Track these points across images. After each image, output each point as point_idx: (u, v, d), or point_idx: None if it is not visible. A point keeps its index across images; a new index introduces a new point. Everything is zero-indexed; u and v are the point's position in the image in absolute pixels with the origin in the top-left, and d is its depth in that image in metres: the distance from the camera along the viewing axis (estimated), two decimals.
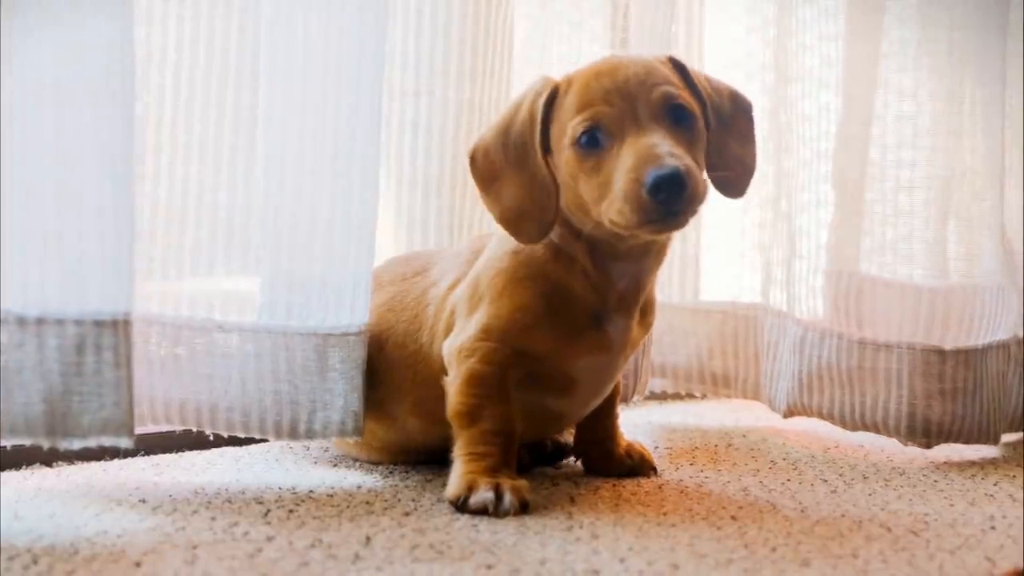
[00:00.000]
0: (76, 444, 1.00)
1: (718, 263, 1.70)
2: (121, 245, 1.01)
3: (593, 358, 1.13)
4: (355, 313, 1.17)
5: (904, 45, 1.47)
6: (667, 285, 1.62)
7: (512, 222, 1.10)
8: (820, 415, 1.47)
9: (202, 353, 1.15)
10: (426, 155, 1.40)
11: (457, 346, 1.12)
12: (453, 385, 1.12)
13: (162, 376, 1.15)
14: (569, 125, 1.07)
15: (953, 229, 1.49)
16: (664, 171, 0.99)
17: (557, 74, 1.12)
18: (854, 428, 1.45)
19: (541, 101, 1.09)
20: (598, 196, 1.05)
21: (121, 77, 1.01)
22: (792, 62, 1.51)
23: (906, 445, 1.43)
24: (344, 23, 1.14)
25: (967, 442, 1.42)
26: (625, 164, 1.02)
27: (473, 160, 1.13)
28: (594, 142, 1.05)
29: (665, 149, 1.01)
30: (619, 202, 1.02)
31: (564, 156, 1.08)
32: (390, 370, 1.20)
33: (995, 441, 1.44)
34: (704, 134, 1.10)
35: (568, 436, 1.32)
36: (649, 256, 1.13)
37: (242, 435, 1.18)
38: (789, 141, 1.52)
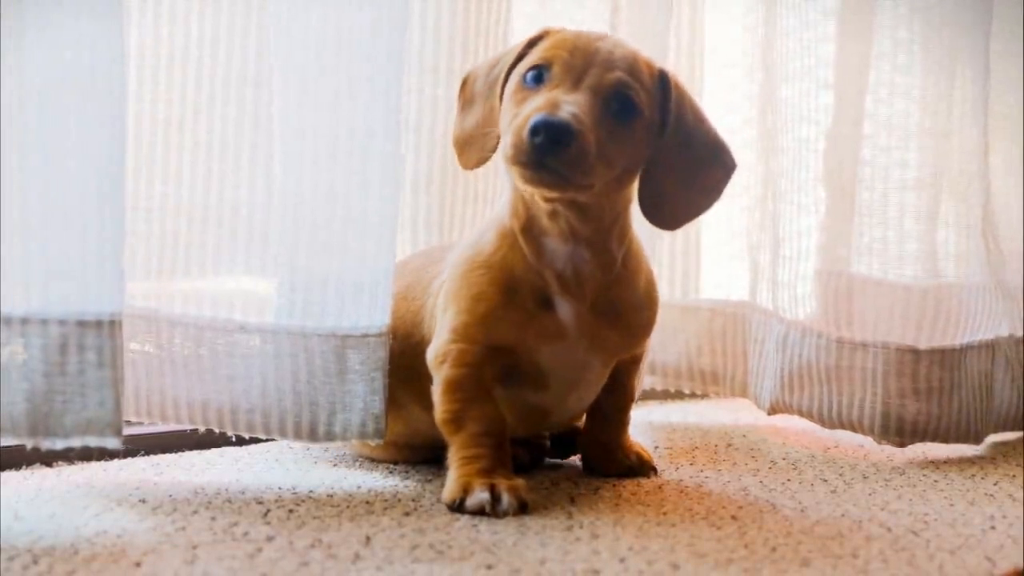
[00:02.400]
0: (59, 444, 0.99)
1: (708, 261, 1.69)
2: (107, 245, 1.01)
3: (551, 345, 1.12)
4: (374, 314, 1.17)
5: (895, 45, 1.47)
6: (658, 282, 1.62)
7: (460, 146, 1.16)
8: (800, 413, 1.48)
9: (224, 354, 1.15)
10: (415, 153, 1.39)
11: (435, 352, 1.13)
12: (436, 393, 1.13)
13: (185, 376, 1.16)
14: (526, 60, 1.10)
15: (939, 229, 1.49)
16: (550, 118, 1.00)
17: None
18: (832, 426, 1.45)
19: (526, 41, 1.13)
20: (507, 128, 1.06)
21: (108, 76, 1.01)
22: (785, 62, 1.51)
23: (880, 444, 1.43)
24: (361, 19, 1.14)
25: (945, 441, 1.42)
26: (531, 105, 1.04)
27: (463, 84, 1.18)
28: (537, 79, 1.07)
29: (569, 107, 1.02)
30: (509, 135, 1.04)
31: (511, 86, 1.10)
32: (400, 358, 1.20)
33: (976, 441, 1.44)
34: (642, 141, 1.09)
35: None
36: (576, 240, 1.11)
37: (263, 436, 1.18)
38: (780, 142, 1.52)
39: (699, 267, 1.67)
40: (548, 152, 1.00)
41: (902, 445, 1.42)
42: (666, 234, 1.60)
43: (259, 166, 1.18)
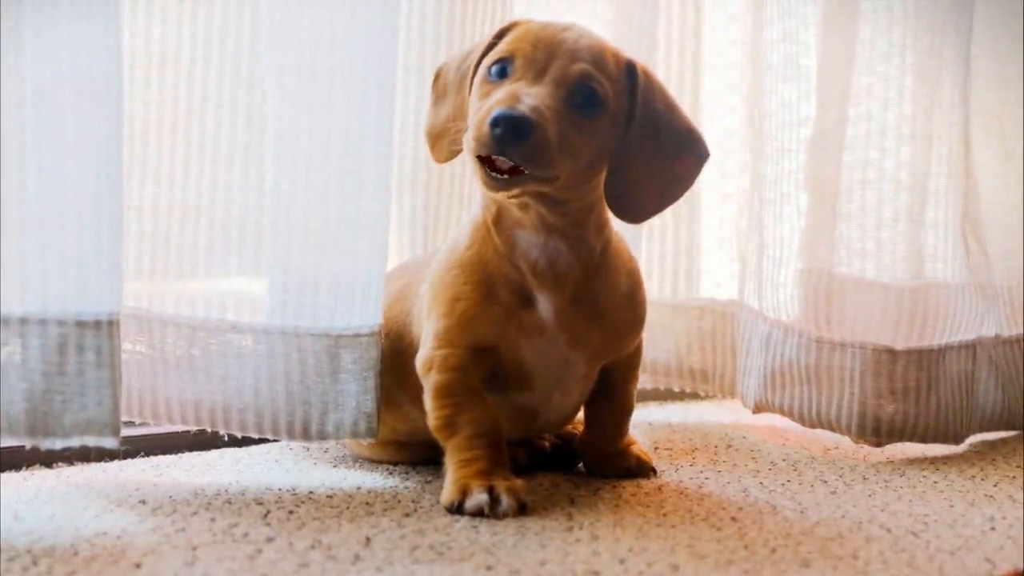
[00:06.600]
0: (58, 444, 1.00)
1: (706, 261, 1.69)
2: (105, 245, 1.01)
3: (532, 342, 1.12)
4: (366, 313, 1.17)
5: (879, 47, 1.47)
6: (647, 281, 1.61)
7: (433, 138, 1.16)
8: (782, 412, 1.48)
9: (216, 354, 1.16)
10: (400, 152, 1.39)
11: (421, 360, 1.13)
12: (427, 400, 1.13)
13: (178, 376, 1.16)
14: (491, 53, 1.10)
15: (919, 230, 1.49)
16: (510, 112, 1.00)
17: None
18: (811, 425, 1.46)
19: (496, 32, 1.12)
20: (471, 123, 1.06)
21: (106, 76, 1.01)
22: (780, 64, 1.50)
23: (857, 443, 1.44)
24: (354, 21, 1.14)
25: (923, 441, 1.43)
26: (493, 99, 1.04)
27: (436, 77, 1.18)
28: (501, 73, 1.07)
29: (529, 100, 1.02)
30: (471, 129, 1.04)
31: (477, 79, 1.10)
32: (394, 359, 1.20)
33: (956, 441, 1.44)
34: (607, 132, 1.09)
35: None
36: (549, 232, 1.11)
37: (256, 436, 1.18)
38: (775, 144, 1.51)
39: (693, 266, 1.66)
40: (508, 144, 1.00)
41: (879, 445, 1.43)
42: (659, 233, 1.61)
43: (252, 167, 1.18)
